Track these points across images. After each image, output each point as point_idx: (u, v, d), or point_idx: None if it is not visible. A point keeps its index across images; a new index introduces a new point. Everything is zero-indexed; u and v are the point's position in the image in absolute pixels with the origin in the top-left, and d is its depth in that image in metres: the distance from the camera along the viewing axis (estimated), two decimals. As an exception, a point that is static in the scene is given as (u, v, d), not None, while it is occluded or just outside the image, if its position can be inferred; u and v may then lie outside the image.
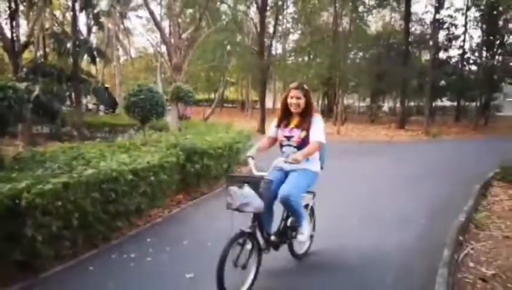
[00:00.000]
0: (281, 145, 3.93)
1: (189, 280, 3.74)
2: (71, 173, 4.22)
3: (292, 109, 3.81)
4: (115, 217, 4.65)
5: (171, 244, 4.57)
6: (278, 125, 3.95)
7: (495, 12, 23.83)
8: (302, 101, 3.76)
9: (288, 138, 3.83)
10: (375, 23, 31.94)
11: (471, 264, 4.13)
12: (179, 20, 13.36)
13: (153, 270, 3.97)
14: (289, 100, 3.81)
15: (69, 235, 4.02)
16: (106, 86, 22.64)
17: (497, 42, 24.75)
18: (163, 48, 13.68)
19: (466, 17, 25.47)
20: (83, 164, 4.65)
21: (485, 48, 25.53)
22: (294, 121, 3.84)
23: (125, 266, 4.04)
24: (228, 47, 23.43)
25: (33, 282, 3.68)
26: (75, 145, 5.97)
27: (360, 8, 23.63)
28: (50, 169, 4.39)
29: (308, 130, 3.72)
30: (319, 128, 3.72)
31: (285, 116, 3.92)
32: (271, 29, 24.12)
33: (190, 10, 20.87)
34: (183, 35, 12.60)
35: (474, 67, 27.22)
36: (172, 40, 12.15)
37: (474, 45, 26.58)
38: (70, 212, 3.96)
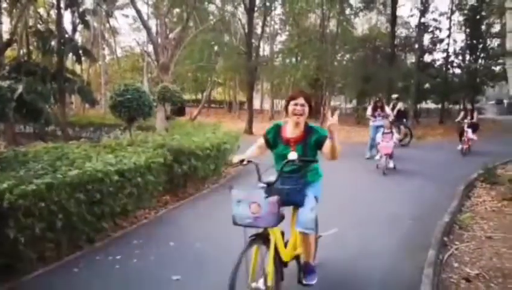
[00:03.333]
0: (375, 116, 10.81)
1: (175, 282, 3.70)
2: (55, 173, 4.14)
3: (378, 105, 10.87)
4: (100, 219, 4.58)
5: (158, 246, 4.53)
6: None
7: (478, 17, 24.28)
8: (382, 104, 10.84)
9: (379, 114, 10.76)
10: (361, 25, 32.27)
11: (456, 265, 4.17)
12: (166, 19, 13.27)
13: (139, 272, 3.92)
14: (379, 104, 10.91)
15: (52, 236, 3.95)
16: None
17: (480, 46, 25.23)
18: (150, 48, 13.56)
19: (450, 21, 25.86)
20: (67, 164, 4.58)
21: (468, 52, 25.99)
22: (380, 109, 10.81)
23: (111, 268, 3.98)
24: (216, 47, 23.38)
25: (15, 285, 3.59)
26: (59, 145, 5.87)
27: (347, 11, 23.85)
28: (33, 169, 4.31)
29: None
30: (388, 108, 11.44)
31: (376, 108, 10.78)
32: (259, 30, 24.14)
33: (177, 10, 20.75)
34: (171, 35, 12.51)
35: (458, 71, 27.66)
36: (159, 40, 12.05)
37: (458, 48, 27.01)
38: (54, 213, 3.89)
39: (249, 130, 18.48)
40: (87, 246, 4.47)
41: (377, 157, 9.95)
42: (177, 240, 4.70)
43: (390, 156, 9.15)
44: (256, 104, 34.05)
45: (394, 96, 15.57)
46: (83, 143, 6.23)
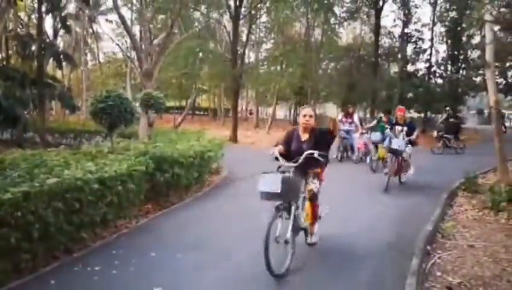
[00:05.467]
0: (343, 122, 12.26)
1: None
2: (32, 181, 4.01)
3: (350, 112, 12.59)
4: (79, 228, 4.45)
5: (138, 257, 4.41)
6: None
7: (459, 28, 24.89)
8: (352, 111, 12.61)
9: (347, 120, 12.21)
10: (346, 35, 32.73)
11: (438, 273, 4.21)
12: (150, 25, 13.16)
13: (119, 284, 3.82)
14: (350, 111, 12.52)
15: (28, 247, 3.82)
16: None
17: (461, 57, 25.85)
18: (134, 54, 13.39)
19: (432, 32, 26.45)
20: (45, 172, 4.44)
21: (450, 62, 26.58)
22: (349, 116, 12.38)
23: (89, 280, 3.86)
24: (200, 54, 23.28)
25: (-13, 298, 3.46)
26: (38, 152, 5.69)
27: (332, 20, 24.14)
28: (10, 177, 4.15)
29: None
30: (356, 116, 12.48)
31: (347, 114, 12.45)
32: (244, 38, 24.17)
33: (162, 16, 20.63)
34: (155, 41, 12.41)
35: (440, 81, 28.23)
36: (143, 46, 11.92)
37: (440, 59, 27.61)
38: (30, 223, 3.76)
39: (234, 138, 18.35)
40: (65, 257, 4.33)
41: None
42: (158, 251, 4.60)
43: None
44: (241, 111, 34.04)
45: (447, 108, 18.66)
46: (62, 150, 6.07)
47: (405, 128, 8.26)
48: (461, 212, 6.68)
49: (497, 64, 16.47)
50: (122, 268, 4.11)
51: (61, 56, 17.01)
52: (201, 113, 43.48)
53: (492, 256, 4.66)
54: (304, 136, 4.51)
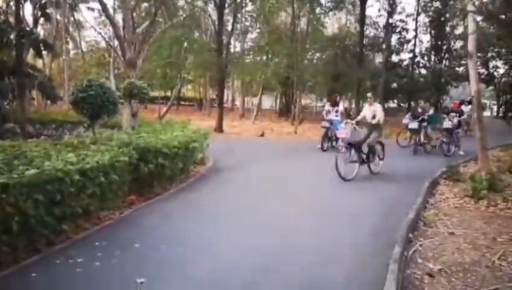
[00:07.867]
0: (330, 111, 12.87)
1: (140, 286, 3.58)
2: (11, 173, 3.92)
3: (337, 101, 13.20)
4: (60, 220, 4.38)
5: (122, 248, 4.38)
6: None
7: (442, 18, 25.14)
8: (338, 100, 13.42)
9: (333, 109, 12.86)
10: (331, 25, 32.65)
11: (420, 260, 4.30)
12: (134, 14, 12.86)
13: (101, 275, 3.78)
14: (337, 100, 13.27)
15: (8, 240, 3.76)
16: None
17: (445, 47, 26.15)
18: (116, 43, 13.12)
19: (416, 22, 26.63)
20: (25, 163, 4.34)
21: (433, 53, 26.86)
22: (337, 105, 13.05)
23: (71, 272, 3.82)
24: (185, 43, 22.99)
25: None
26: (17, 143, 5.55)
27: (317, 10, 24.08)
28: (-13, 169, 4.05)
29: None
30: (341, 105, 13.79)
31: (334, 104, 12.81)
32: (229, 27, 23.94)
33: (145, 4, 20.26)
34: (138, 30, 12.12)
35: (423, 71, 28.55)
36: (126, 35, 11.67)
37: (423, 49, 27.88)
38: (10, 215, 3.69)
39: (219, 128, 18.27)
40: (46, 249, 4.27)
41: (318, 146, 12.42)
42: (142, 242, 4.56)
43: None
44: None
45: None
46: (43, 141, 5.94)
47: (457, 114, 12.68)
48: (443, 201, 6.80)
49: (479, 54, 16.67)
50: (105, 260, 4.06)
51: (41, 45, 16.52)
52: (187, 103, 43.05)
53: (472, 243, 4.77)
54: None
